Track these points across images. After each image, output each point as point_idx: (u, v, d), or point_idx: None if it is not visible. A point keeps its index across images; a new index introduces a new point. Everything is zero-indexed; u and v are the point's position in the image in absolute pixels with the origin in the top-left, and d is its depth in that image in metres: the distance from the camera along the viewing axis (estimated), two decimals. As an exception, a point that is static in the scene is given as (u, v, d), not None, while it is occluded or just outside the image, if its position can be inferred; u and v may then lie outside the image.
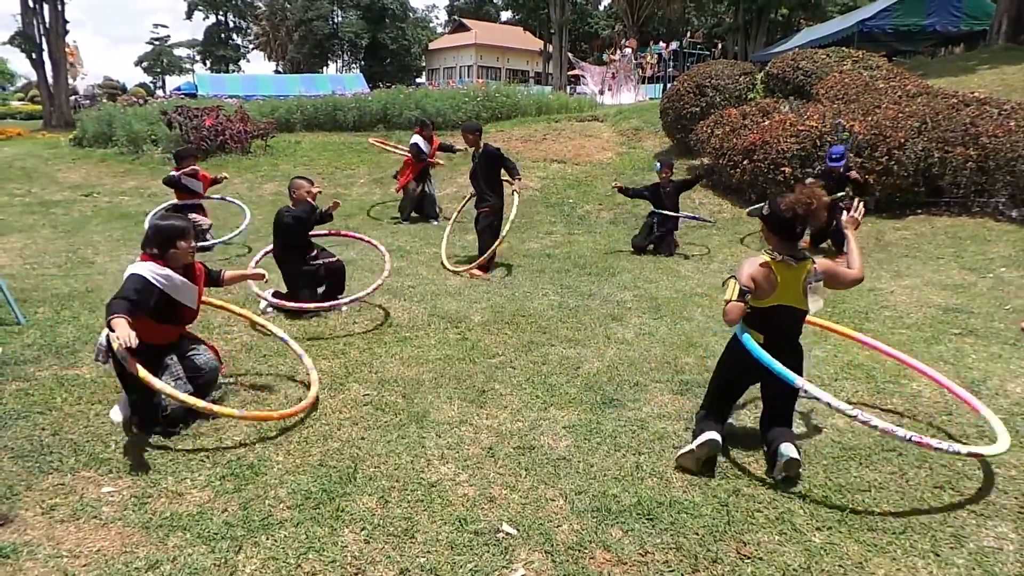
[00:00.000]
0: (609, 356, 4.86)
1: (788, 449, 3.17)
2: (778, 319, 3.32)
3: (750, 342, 3.22)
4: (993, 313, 5.92)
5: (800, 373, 3.34)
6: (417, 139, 10.56)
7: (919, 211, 9.78)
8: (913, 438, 2.98)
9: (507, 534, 2.78)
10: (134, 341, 3.06)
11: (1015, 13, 17.85)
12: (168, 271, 3.59)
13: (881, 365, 4.70)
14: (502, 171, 7.59)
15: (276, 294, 5.77)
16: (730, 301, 3.21)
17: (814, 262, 3.30)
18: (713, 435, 3.25)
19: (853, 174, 8.54)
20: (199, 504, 2.95)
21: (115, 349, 3.14)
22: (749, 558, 2.66)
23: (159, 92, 55.72)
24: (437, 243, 8.30)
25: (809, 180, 8.40)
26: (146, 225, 3.73)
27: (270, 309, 5.76)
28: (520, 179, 7.53)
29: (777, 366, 3.11)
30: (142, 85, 57.68)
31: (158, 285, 3.53)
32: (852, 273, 3.42)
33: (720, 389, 3.54)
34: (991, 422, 3.46)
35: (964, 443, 3.58)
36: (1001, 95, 11.65)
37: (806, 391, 3.08)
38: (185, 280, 3.70)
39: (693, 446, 3.25)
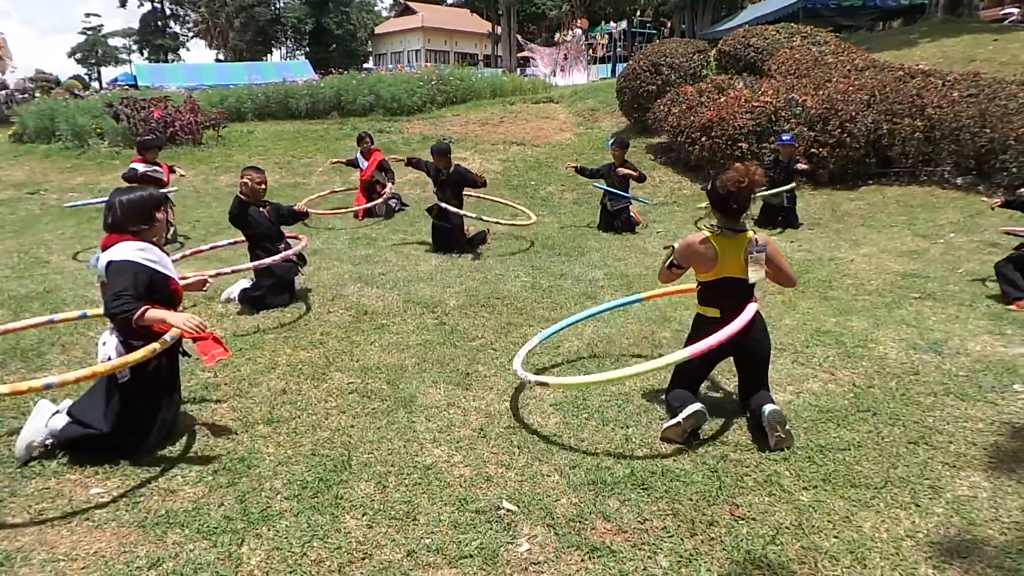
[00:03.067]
0: (588, 334, 4.93)
1: (770, 406, 3.29)
2: (726, 291, 3.46)
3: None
4: (947, 277, 6.18)
5: (768, 346, 3.58)
6: (357, 155, 10.24)
7: (871, 181, 10.10)
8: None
9: (508, 511, 2.82)
10: (198, 322, 3.03)
11: (953, -13, 18.43)
12: (151, 246, 3.27)
13: (848, 331, 4.88)
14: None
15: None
16: (663, 266, 3.68)
17: (756, 235, 3.42)
18: (698, 406, 3.35)
19: (800, 166, 8.67)
20: (194, 500, 2.91)
21: (189, 330, 3.03)
22: (743, 519, 2.76)
23: (95, 84, 53.66)
24: (403, 229, 8.24)
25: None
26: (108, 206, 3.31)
27: (234, 296, 5.66)
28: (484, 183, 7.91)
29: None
30: (77, 77, 55.34)
31: (150, 266, 3.20)
32: (791, 275, 3.58)
33: (688, 366, 3.58)
34: None
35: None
36: (943, 67, 12.07)
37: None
38: (164, 254, 3.39)
39: (680, 419, 3.33)
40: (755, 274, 3.43)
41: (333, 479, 3.06)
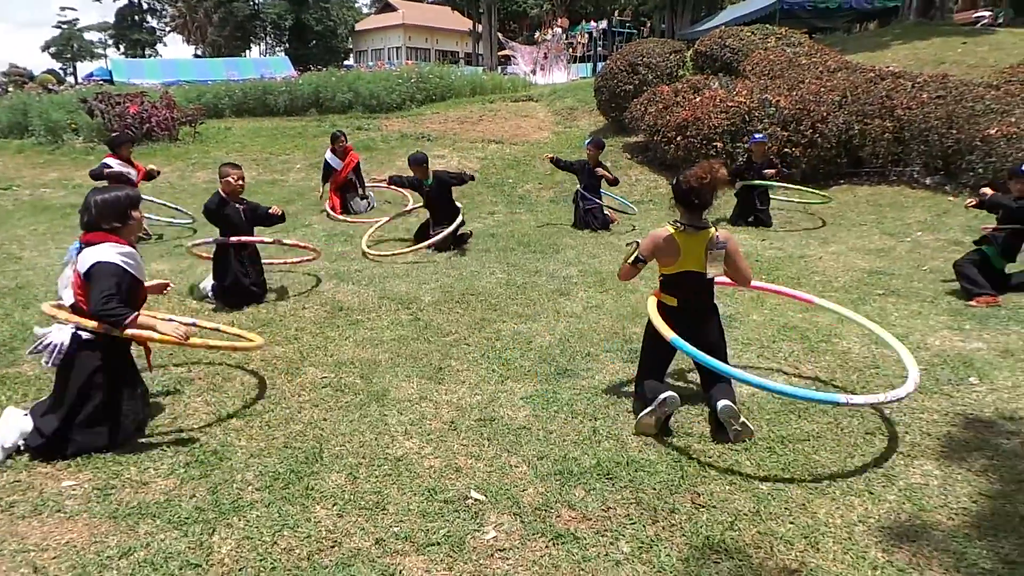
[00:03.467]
0: (560, 330, 5.01)
1: (722, 402, 3.38)
2: (686, 284, 3.58)
3: (678, 342, 3.36)
4: (912, 274, 6.34)
5: (723, 338, 3.70)
6: (328, 155, 9.98)
7: (842, 181, 10.30)
8: None
9: (476, 500, 2.89)
10: (185, 330, 3.22)
11: (925, -10, 18.78)
12: (129, 248, 3.31)
13: (814, 327, 5.00)
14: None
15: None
16: (625, 263, 3.67)
17: (717, 232, 3.53)
18: (669, 392, 3.43)
19: (768, 171, 8.75)
20: (165, 492, 2.95)
21: (181, 341, 3.20)
22: (703, 507, 2.85)
23: (70, 79, 52.83)
24: (381, 227, 8.26)
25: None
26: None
27: (210, 294, 5.68)
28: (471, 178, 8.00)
29: (702, 356, 3.29)
30: (51, 72, 54.49)
31: (128, 269, 3.26)
32: (747, 274, 3.68)
33: (651, 356, 3.72)
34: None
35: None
36: (913, 68, 12.32)
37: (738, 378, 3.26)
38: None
39: (652, 407, 3.40)
40: (713, 269, 3.54)
41: (304, 471, 3.11)
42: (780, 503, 2.88)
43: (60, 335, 3.22)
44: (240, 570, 2.46)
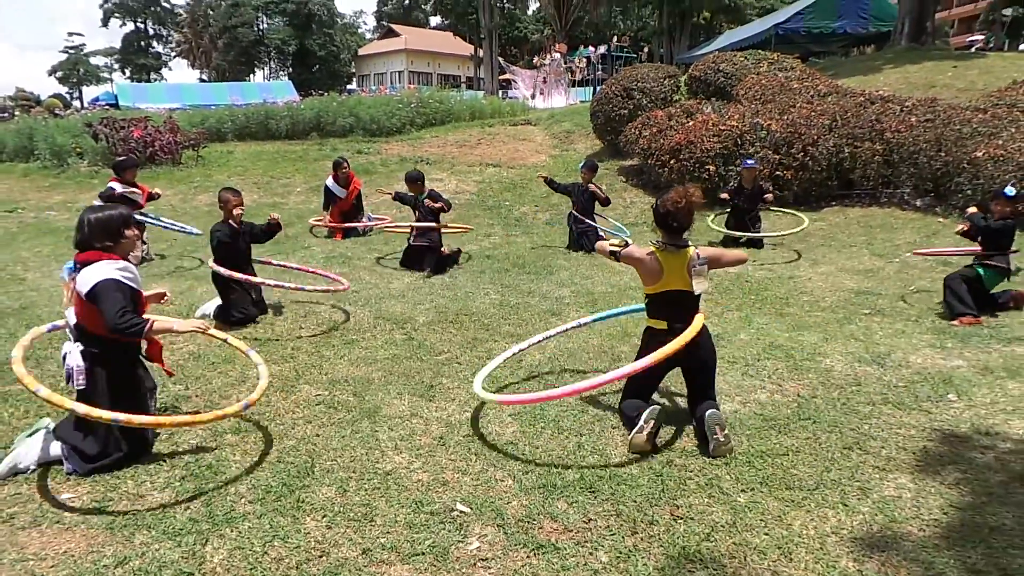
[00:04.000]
0: (550, 348, 5.11)
1: (710, 411, 3.50)
2: (672, 303, 3.70)
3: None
4: (899, 294, 6.46)
5: (713, 357, 3.81)
6: (328, 182, 10.07)
7: (833, 203, 10.45)
8: None
9: (461, 512, 2.98)
10: (202, 323, 3.50)
11: (916, 15, 19.09)
12: (127, 264, 3.43)
13: (799, 345, 5.10)
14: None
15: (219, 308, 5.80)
16: (608, 245, 3.89)
17: (696, 249, 3.67)
18: (653, 406, 3.54)
19: (768, 197, 8.94)
20: (161, 504, 3.05)
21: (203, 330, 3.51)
22: (681, 519, 2.94)
23: (76, 103, 53.51)
24: (378, 248, 8.42)
25: (722, 195, 8.97)
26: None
27: (209, 314, 5.80)
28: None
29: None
30: (58, 96, 55.09)
31: (129, 283, 3.37)
32: (736, 258, 3.90)
33: (638, 383, 3.82)
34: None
35: None
36: (904, 93, 12.53)
37: None
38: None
39: (640, 423, 3.50)
40: (700, 285, 3.66)
41: (296, 484, 3.21)
42: (756, 515, 2.97)
43: (73, 358, 3.30)
44: (231, 578, 2.56)
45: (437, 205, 7.83)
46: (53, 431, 3.41)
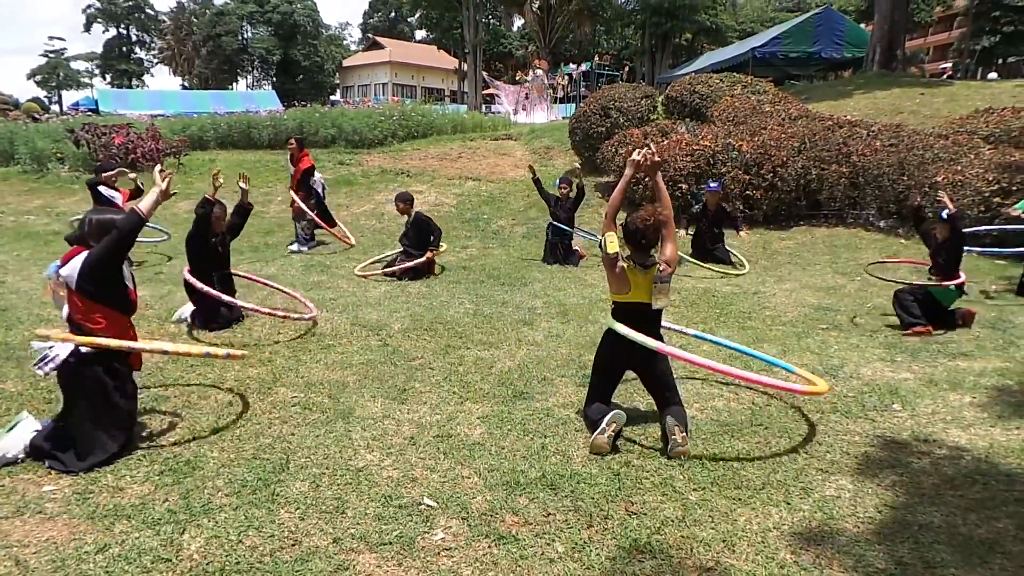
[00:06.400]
0: (520, 356, 5.31)
1: (671, 414, 3.77)
2: (636, 312, 3.93)
3: (616, 324, 3.85)
4: (856, 310, 6.74)
5: (668, 365, 4.04)
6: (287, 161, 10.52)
7: (801, 223, 10.79)
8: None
9: (428, 506, 3.16)
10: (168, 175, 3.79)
11: (886, 43, 19.71)
12: None
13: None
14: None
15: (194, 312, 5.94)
16: (608, 248, 3.85)
17: (660, 269, 3.88)
18: (616, 411, 3.76)
19: (743, 234, 9.30)
20: (140, 496, 3.18)
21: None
22: (635, 514, 3.14)
23: (55, 107, 53.05)
24: (357, 258, 8.59)
25: (679, 230, 9.30)
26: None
27: (187, 318, 5.92)
28: (435, 251, 8.34)
29: (635, 335, 3.75)
30: (36, 100, 54.64)
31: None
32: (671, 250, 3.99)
33: (600, 381, 4.06)
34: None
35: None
36: (872, 118, 12.97)
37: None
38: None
39: (603, 425, 3.71)
40: (659, 301, 3.88)
41: (271, 479, 3.36)
42: (705, 511, 3.17)
43: (62, 349, 3.44)
44: (207, 564, 2.70)
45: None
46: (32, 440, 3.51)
